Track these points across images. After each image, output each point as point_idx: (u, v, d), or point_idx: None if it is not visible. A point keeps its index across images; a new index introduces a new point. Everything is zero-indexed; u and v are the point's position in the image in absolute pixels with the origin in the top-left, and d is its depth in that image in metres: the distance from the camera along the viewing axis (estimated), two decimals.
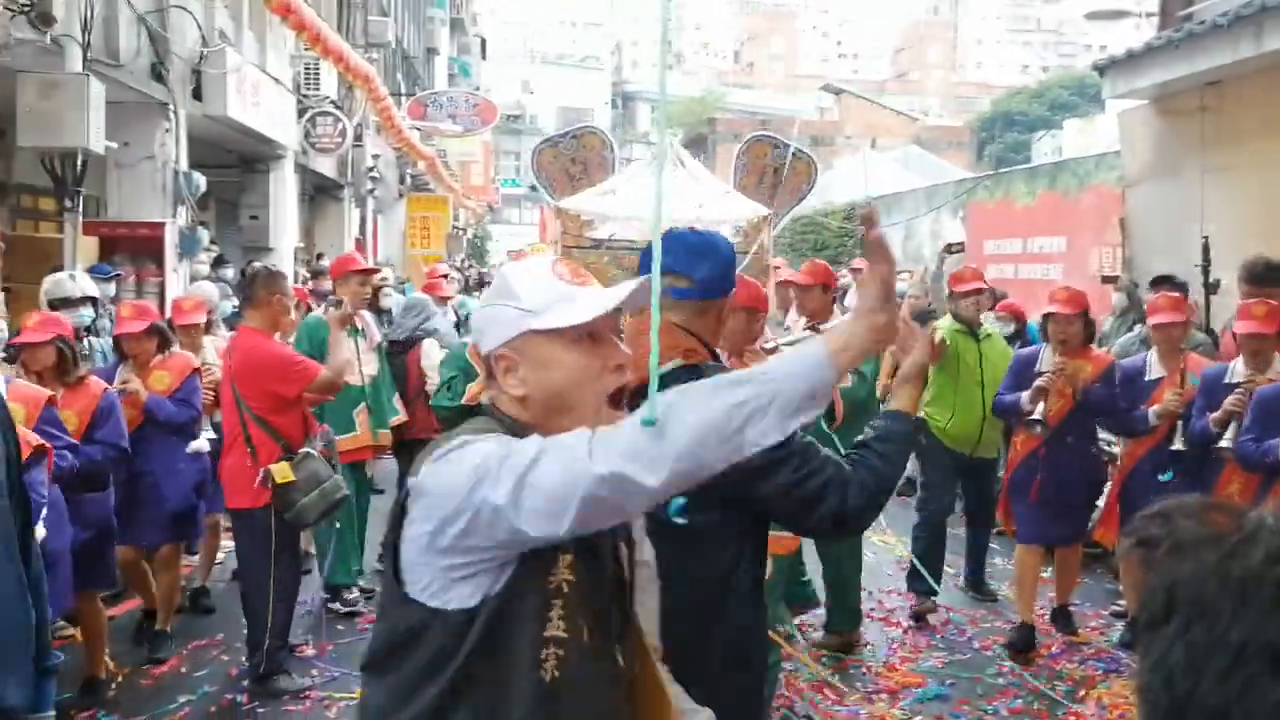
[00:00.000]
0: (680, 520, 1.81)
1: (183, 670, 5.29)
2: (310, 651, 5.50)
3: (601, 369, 1.67)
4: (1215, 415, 4.89)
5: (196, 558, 6.38)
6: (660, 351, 2.35)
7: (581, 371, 1.66)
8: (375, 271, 6.30)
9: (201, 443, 5.56)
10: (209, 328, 6.42)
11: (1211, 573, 0.79)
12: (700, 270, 2.40)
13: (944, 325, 6.25)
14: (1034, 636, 5.61)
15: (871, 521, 2.43)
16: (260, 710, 4.85)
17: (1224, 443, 4.81)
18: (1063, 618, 5.91)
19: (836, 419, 4.74)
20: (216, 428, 5.64)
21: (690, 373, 2.22)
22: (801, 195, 7.20)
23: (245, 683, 5.06)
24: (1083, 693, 5.01)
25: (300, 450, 4.88)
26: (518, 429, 1.64)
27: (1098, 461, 5.82)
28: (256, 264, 6.83)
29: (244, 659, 5.18)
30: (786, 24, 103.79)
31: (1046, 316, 5.62)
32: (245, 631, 5.12)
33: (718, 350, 2.51)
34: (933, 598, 6.14)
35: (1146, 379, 5.49)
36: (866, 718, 4.76)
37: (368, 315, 6.51)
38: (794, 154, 7.03)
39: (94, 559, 4.66)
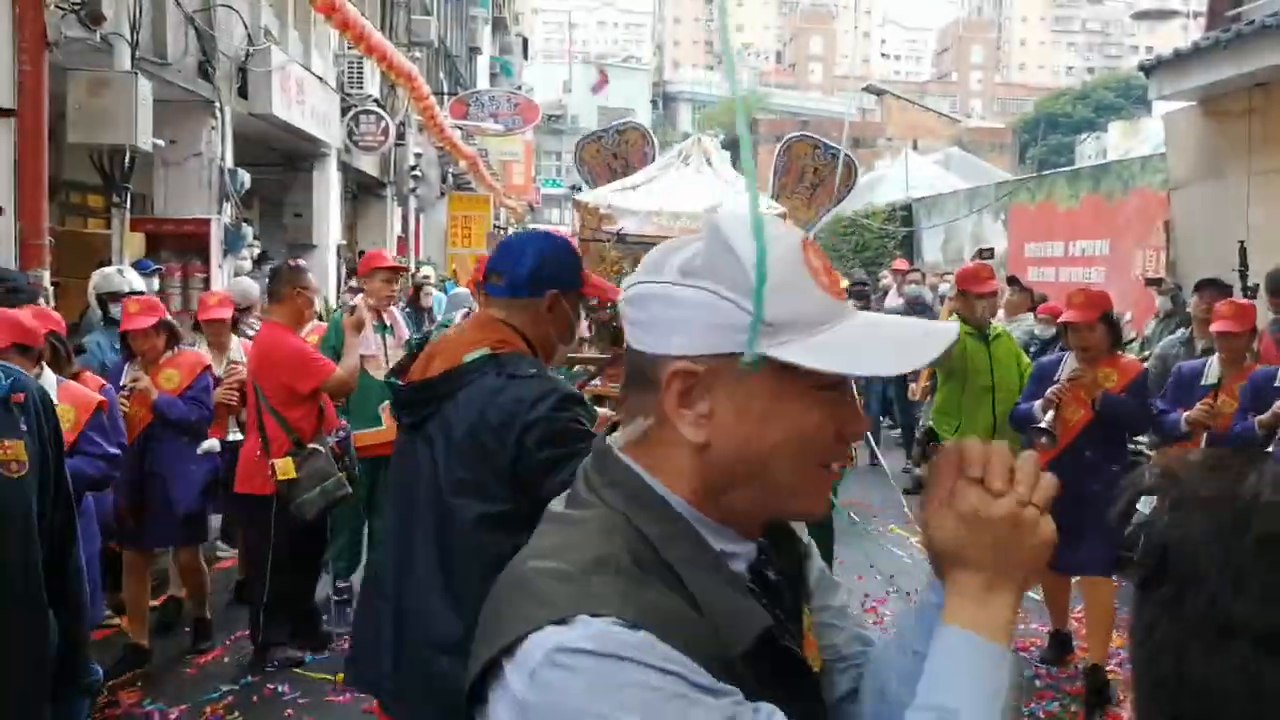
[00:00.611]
0: None
1: (225, 660, 5.37)
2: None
3: (836, 438, 1.09)
4: (1262, 418, 4.77)
5: (236, 551, 6.45)
6: (473, 340, 2.48)
7: (812, 434, 1.07)
8: (401, 269, 6.33)
9: (212, 444, 5.39)
10: (235, 324, 6.26)
11: (1208, 541, 0.73)
12: (512, 269, 2.50)
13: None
14: (1070, 643, 5.49)
15: None
16: (301, 701, 4.92)
17: (1272, 448, 4.68)
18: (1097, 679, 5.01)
19: None
20: (243, 426, 5.55)
21: (493, 361, 2.40)
22: (840, 197, 7.21)
23: (283, 671, 5.15)
24: (1121, 695, 4.96)
25: (309, 446, 4.96)
26: (666, 513, 1.06)
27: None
28: (291, 260, 6.91)
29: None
30: (827, 25, 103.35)
31: (1064, 325, 5.28)
32: None
33: (555, 343, 2.58)
34: None
35: (1203, 384, 5.28)
36: None
37: (396, 311, 6.57)
38: (834, 155, 7.05)
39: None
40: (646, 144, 7.23)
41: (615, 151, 7.21)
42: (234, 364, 5.75)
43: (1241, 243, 7.02)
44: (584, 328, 6.33)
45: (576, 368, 5.73)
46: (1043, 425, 5.00)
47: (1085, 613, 5.36)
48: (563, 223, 53.39)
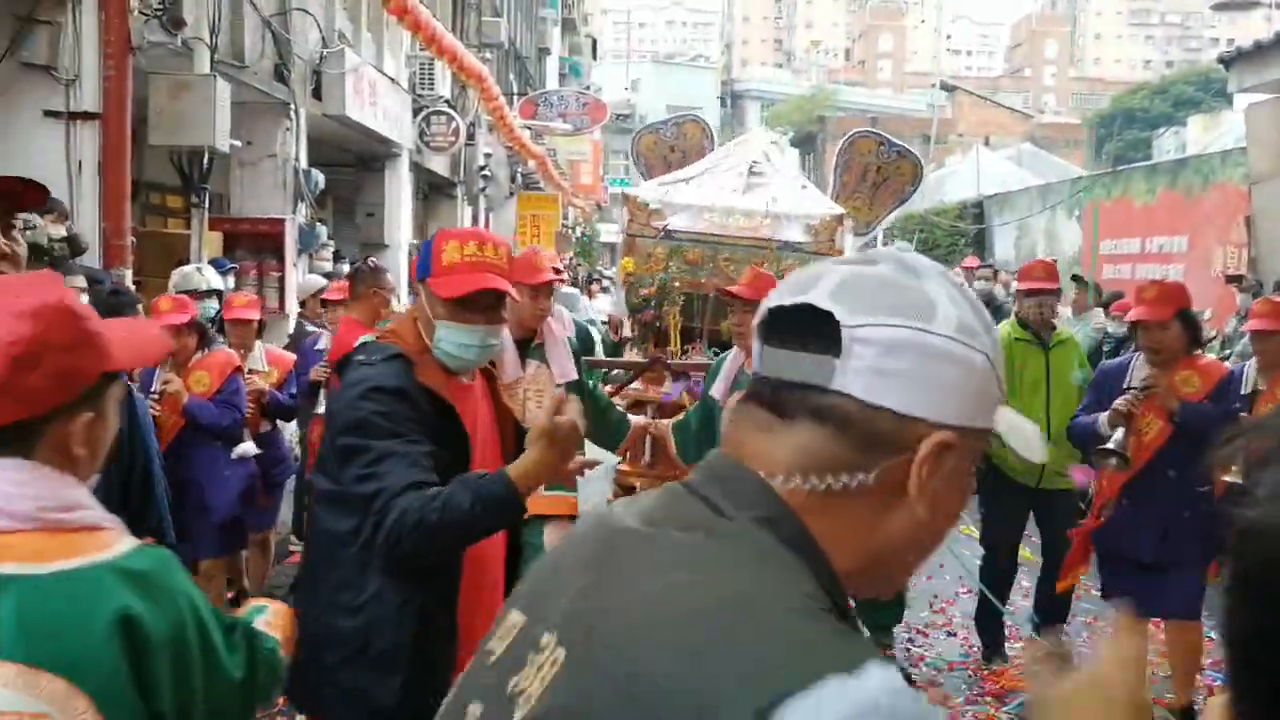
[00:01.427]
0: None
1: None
2: None
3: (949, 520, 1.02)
4: None
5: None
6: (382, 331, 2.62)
7: (954, 514, 1.02)
8: (552, 285, 6.26)
9: (248, 446, 5.14)
10: (261, 328, 6.07)
11: None
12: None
13: (1004, 329, 5.13)
14: None
15: (404, 556, 2.20)
16: None
17: None
18: None
19: None
20: (259, 440, 5.36)
21: (362, 348, 2.51)
22: (904, 197, 6.97)
23: None
24: (1200, 701, 4.85)
25: None
26: (834, 589, 0.94)
27: (1212, 502, 4.14)
28: (371, 260, 7.01)
29: None
30: (897, 21, 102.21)
31: (1134, 324, 4.56)
32: None
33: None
34: (997, 656, 5.29)
35: (1242, 392, 4.53)
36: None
37: None
38: (899, 153, 6.86)
39: None
40: (705, 137, 7.04)
41: (673, 144, 7.07)
42: (252, 374, 5.48)
43: None
44: (627, 327, 6.18)
45: (615, 371, 5.58)
46: (1110, 446, 4.25)
47: (1169, 656, 4.67)
48: None
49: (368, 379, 2.35)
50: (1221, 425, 3.73)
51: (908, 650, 5.40)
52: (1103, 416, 4.34)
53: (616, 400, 5.05)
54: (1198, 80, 35.86)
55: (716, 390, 4.01)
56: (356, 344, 2.57)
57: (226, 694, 1.51)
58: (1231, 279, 9.30)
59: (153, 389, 4.74)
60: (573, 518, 4.20)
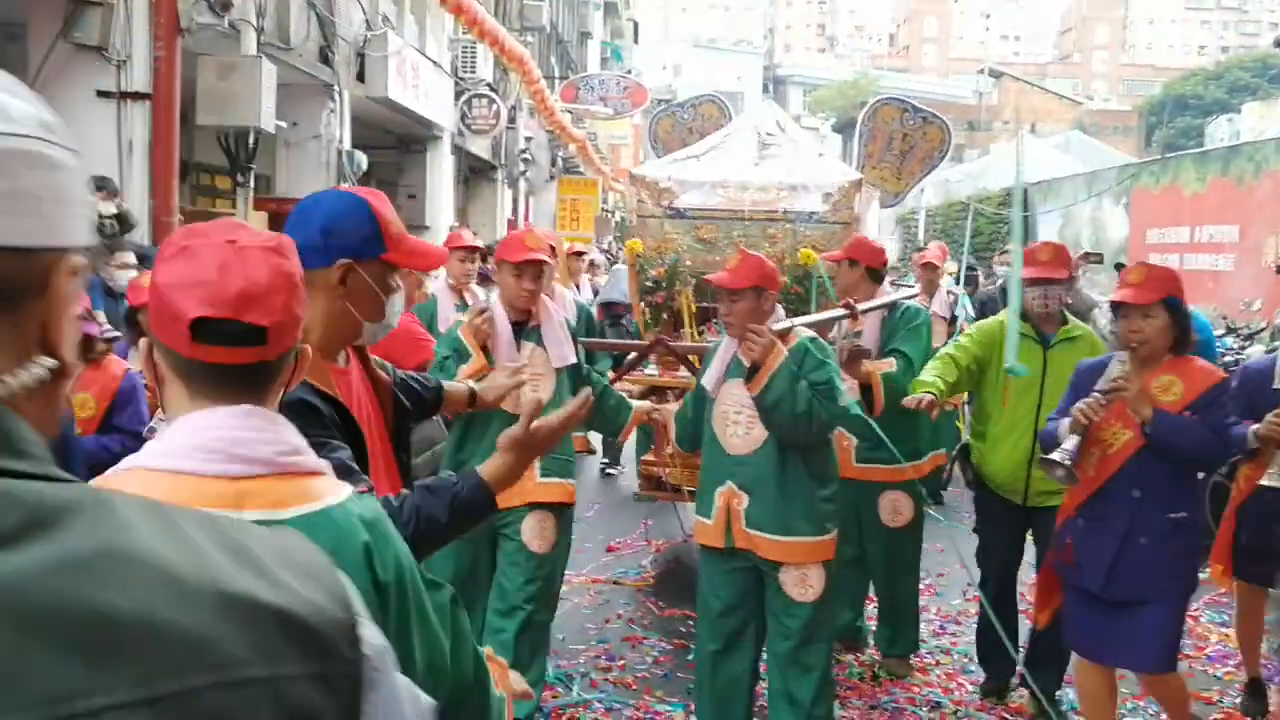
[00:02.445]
0: None
1: None
2: None
3: None
4: None
5: None
6: None
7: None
8: (476, 249, 6.23)
9: None
10: None
11: None
12: (301, 236, 1.93)
13: (994, 322, 4.50)
14: None
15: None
16: None
17: None
18: None
19: (876, 407, 4.29)
20: None
21: None
22: (933, 164, 6.82)
23: None
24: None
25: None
26: None
27: (1190, 531, 3.58)
28: None
29: None
30: (943, 6, 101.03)
31: (1115, 309, 3.72)
32: None
33: (359, 321, 2.14)
34: (1011, 689, 4.56)
35: (1275, 386, 4.09)
36: None
37: (478, 290, 6.58)
38: (924, 119, 6.73)
39: None
40: (724, 118, 6.87)
41: (690, 126, 6.95)
42: None
43: None
44: (636, 312, 5.97)
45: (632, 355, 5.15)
46: (1054, 456, 3.55)
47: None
48: None
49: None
50: (1199, 441, 3.47)
51: (938, 636, 5.33)
52: (1064, 422, 3.61)
53: (628, 385, 4.91)
54: (1254, 66, 35.12)
55: (708, 380, 3.77)
56: None
57: (438, 656, 1.50)
58: None
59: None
60: (567, 505, 4.08)
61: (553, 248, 4.24)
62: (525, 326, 4.01)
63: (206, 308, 1.35)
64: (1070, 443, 3.52)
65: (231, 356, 1.38)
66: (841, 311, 4.20)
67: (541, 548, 3.98)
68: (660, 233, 5.32)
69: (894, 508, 4.67)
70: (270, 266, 1.40)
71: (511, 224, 19.20)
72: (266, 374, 1.43)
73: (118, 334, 4.33)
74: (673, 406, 4.25)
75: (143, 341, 1.50)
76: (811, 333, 3.80)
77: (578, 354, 4.08)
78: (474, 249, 6.23)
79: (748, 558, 3.73)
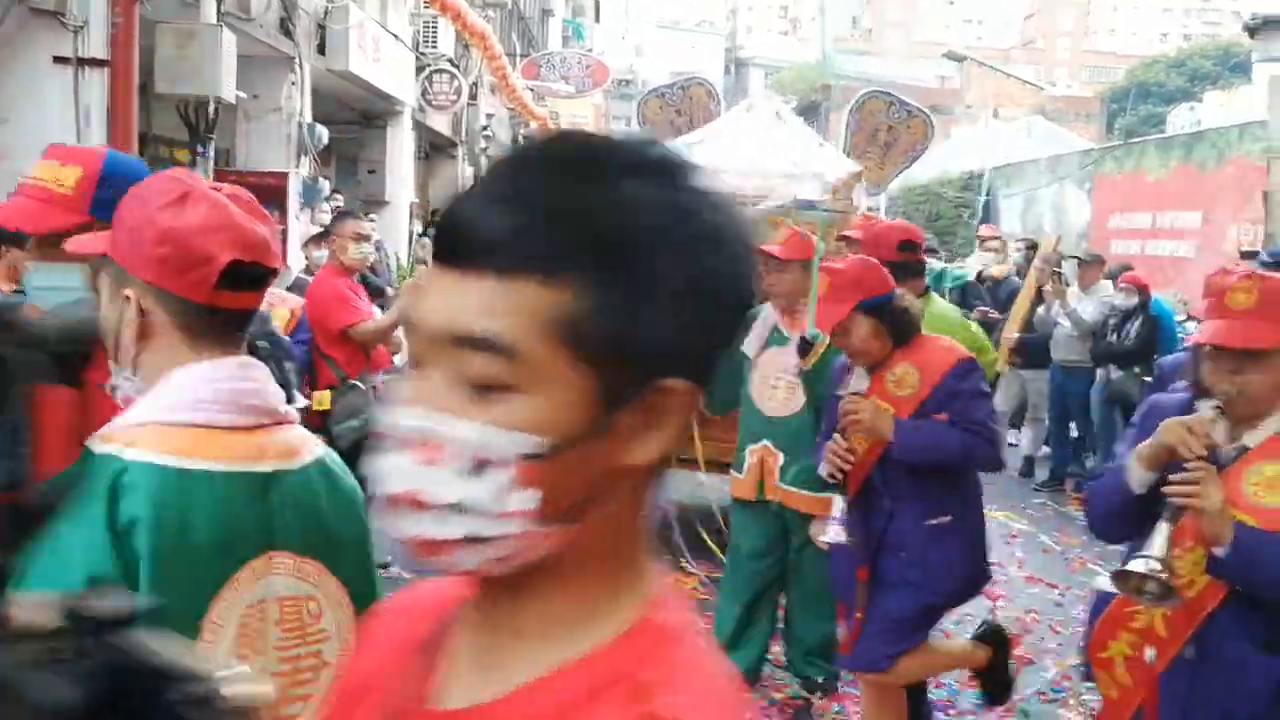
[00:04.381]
0: None
1: None
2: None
3: None
4: None
5: None
6: None
7: None
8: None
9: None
10: None
11: None
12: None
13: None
14: None
15: None
16: None
17: None
18: None
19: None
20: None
21: None
22: (915, 155, 7.09)
23: None
24: None
25: (350, 383, 5.05)
26: None
27: (956, 536, 3.23)
28: (339, 206, 7.00)
29: None
30: None
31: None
32: None
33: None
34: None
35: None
36: None
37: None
38: (909, 112, 6.91)
39: None
40: (712, 100, 7.13)
41: (679, 108, 7.12)
42: None
43: None
44: None
45: None
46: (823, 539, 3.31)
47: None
48: None
49: None
50: (959, 449, 2.97)
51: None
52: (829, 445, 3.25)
53: None
54: (1216, 55, 35.46)
55: (749, 346, 4.03)
56: None
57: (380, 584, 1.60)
58: (1246, 255, 9.20)
59: None
60: None
61: None
62: None
63: (240, 251, 1.36)
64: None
65: (251, 301, 1.42)
66: None
67: None
68: None
69: None
70: (260, 213, 1.45)
71: None
72: (248, 323, 1.45)
73: None
74: None
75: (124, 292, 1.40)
76: None
77: None
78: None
79: (777, 509, 4.07)
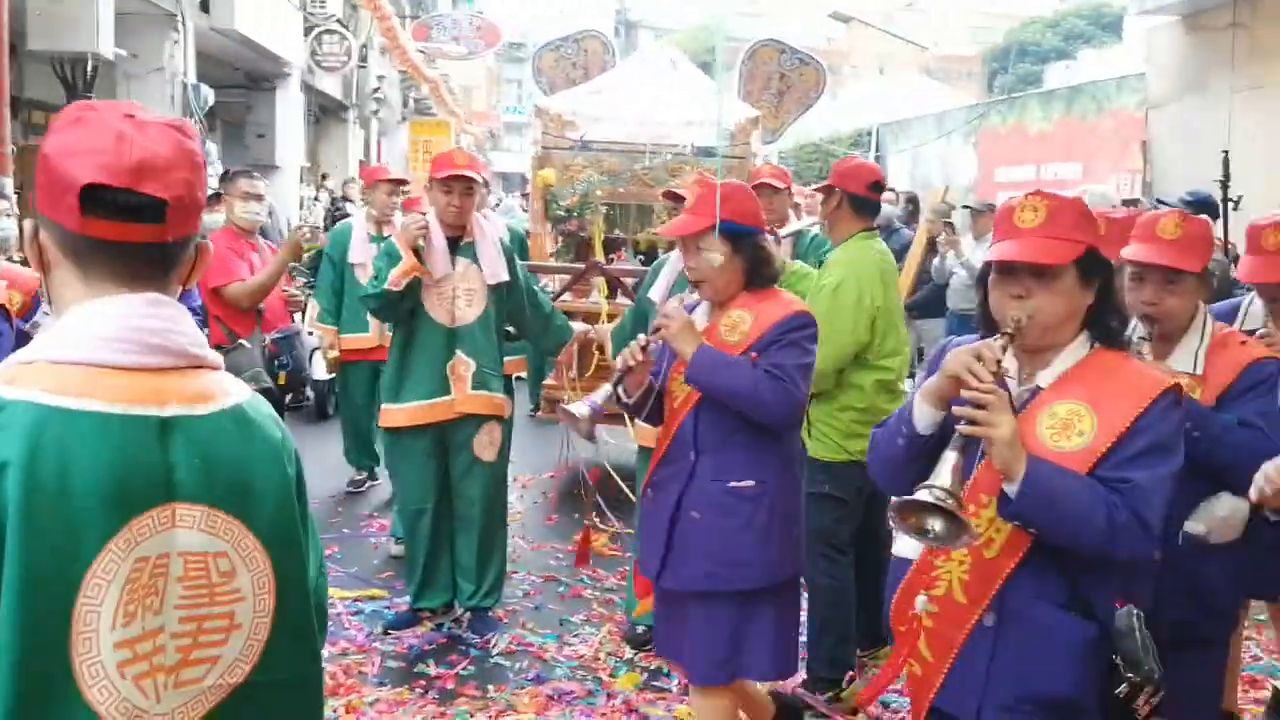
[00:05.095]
0: None
1: None
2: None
3: None
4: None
5: None
6: None
7: None
8: (403, 182, 6.20)
9: None
10: None
11: None
12: None
13: None
14: None
15: None
16: None
17: None
18: None
19: None
20: None
21: None
22: (808, 104, 7.15)
23: None
24: None
25: (238, 342, 4.92)
26: None
27: (759, 505, 2.88)
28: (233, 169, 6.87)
29: None
30: None
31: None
32: None
33: None
34: None
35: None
36: None
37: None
38: (801, 61, 6.99)
39: None
40: (607, 53, 7.17)
41: (575, 61, 7.13)
42: None
43: (1225, 152, 7.00)
44: (548, 242, 6.16)
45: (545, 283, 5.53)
46: (568, 407, 2.90)
47: None
48: (525, 151, 52.68)
49: None
50: (747, 384, 2.66)
51: None
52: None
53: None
54: (1090, 14, 36.51)
55: (655, 293, 3.92)
56: None
57: (323, 556, 1.53)
58: (1127, 202, 9.55)
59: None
60: (500, 419, 4.28)
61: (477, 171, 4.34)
62: (459, 243, 4.16)
63: (101, 174, 1.23)
64: (596, 395, 2.81)
65: (127, 233, 1.27)
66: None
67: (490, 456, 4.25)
68: (569, 164, 5.51)
69: None
70: (173, 141, 1.29)
71: (363, 165, 18.66)
72: (166, 260, 1.32)
73: None
74: (608, 326, 4.42)
75: (27, 223, 1.33)
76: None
77: (513, 273, 4.20)
78: (400, 181, 6.18)
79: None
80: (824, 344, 3.09)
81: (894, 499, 1.91)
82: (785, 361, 2.79)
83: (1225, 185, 6.78)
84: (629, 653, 4.14)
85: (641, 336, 2.88)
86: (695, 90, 5.97)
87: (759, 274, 2.91)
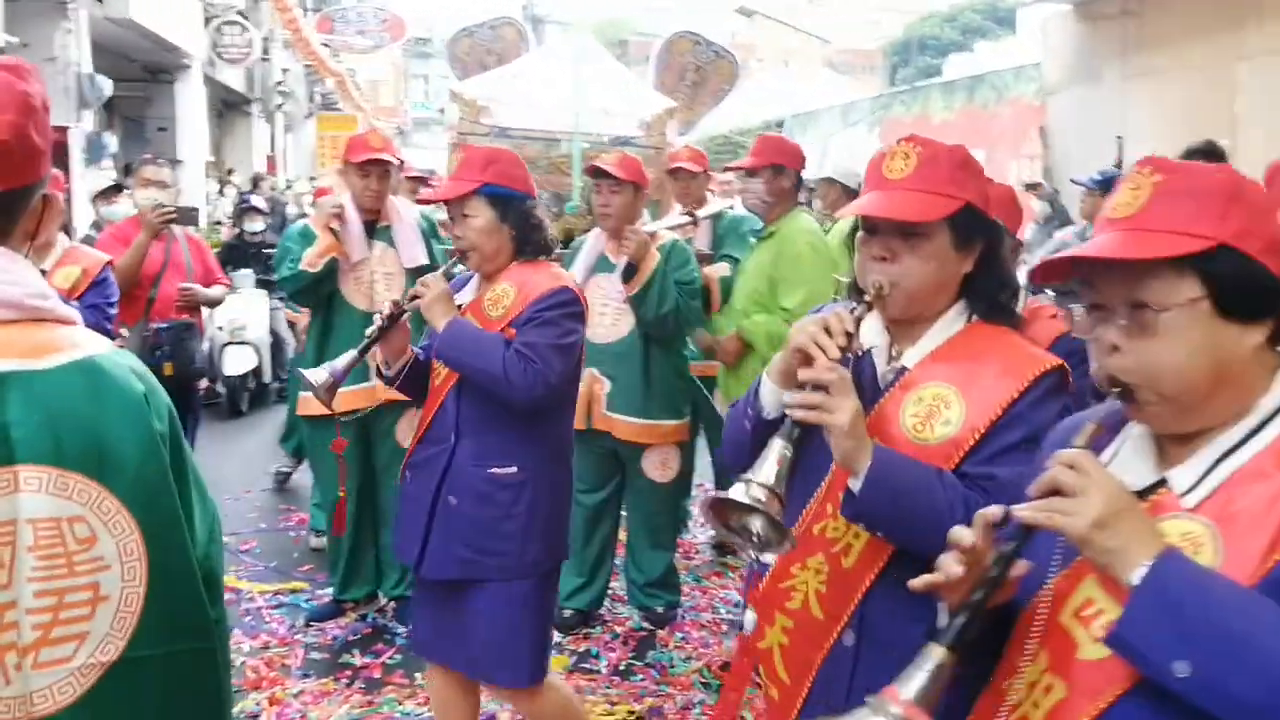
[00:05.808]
0: None
1: None
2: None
3: None
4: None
5: None
6: None
7: None
8: (384, 164, 5.98)
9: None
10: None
11: None
12: None
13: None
14: None
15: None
16: None
17: None
18: None
19: (713, 305, 4.45)
20: None
21: None
22: (721, 95, 7.20)
23: None
24: None
25: (118, 335, 4.81)
26: None
27: (522, 493, 2.71)
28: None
29: None
30: None
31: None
32: None
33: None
34: None
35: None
36: None
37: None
38: (716, 53, 7.05)
39: None
40: (522, 40, 7.11)
41: (489, 48, 7.08)
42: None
43: (1119, 137, 7.27)
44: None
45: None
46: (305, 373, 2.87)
47: None
48: (433, 146, 52.04)
49: None
50: (497, 348, 2.52)
51: None
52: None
53: None
54: (984, 9, 37.47)
55: (576, 272, 3.94)
56: None
57: (215, 522, 1.38)
58: (1029, 187, 9.82)
59: None
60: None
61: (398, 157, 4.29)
62: (376, 226, 4.12)
63: None
64: (337, 362, 2.82)
65: None
66: (685, 219, 4.60)
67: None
68: None
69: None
70: (21, 82, 1.22)
71: (270, 160, 18.29)
72: (13, 206, 1.25)
73: None
74: None
75: None
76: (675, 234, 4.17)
77: (431, 256, 4.15)
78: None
79: (605, 440, 4.03)
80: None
81: (706, 497, 1.72)
82: (538, 340, 2.60)
83: (1119, 169, 7.06)
84: (556, 636, 4.14)
85: (391, 300, 2.77)
86: (610, 80, 5.96)
87: (528, 241, 2.74)
